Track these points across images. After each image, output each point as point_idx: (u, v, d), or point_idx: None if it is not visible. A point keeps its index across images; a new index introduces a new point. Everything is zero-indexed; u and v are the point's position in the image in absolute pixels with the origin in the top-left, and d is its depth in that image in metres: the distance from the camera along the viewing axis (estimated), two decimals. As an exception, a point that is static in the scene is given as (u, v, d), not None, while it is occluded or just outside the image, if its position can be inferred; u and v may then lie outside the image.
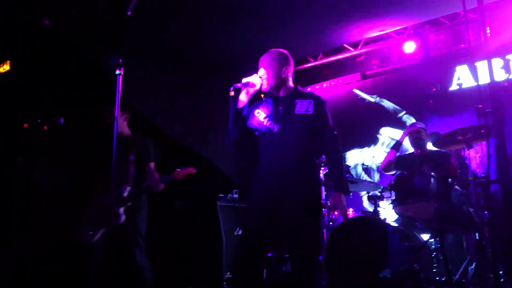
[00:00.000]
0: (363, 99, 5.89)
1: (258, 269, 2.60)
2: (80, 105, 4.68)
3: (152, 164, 3.72)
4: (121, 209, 3.47)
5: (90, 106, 4.37)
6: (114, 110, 3.59)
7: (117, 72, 2.36)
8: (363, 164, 5.75)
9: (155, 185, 3.64)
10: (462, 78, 5.27)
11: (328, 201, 4.19)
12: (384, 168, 4.29)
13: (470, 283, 3.32)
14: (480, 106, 1.27)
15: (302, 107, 2.64)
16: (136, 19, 3.87)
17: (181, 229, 5.03)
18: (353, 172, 5.68)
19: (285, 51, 2.80)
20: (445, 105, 5.28)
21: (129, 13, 3.49)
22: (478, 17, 1.53)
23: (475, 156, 4.75)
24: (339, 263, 3.60)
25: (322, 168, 4.29)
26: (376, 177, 5.61)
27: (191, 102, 5.75)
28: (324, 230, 4.08)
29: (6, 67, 5.28)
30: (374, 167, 5.66)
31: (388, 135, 5.61)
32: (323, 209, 4.11)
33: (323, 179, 4.25)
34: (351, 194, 4.24)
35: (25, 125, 3.40)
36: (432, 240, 3.61)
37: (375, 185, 4.21)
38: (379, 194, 3.96)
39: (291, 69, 2.76)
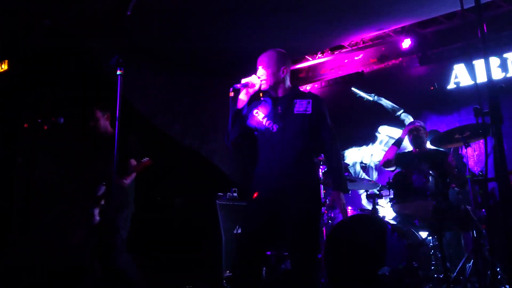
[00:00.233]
0: (362, 98, 5.91)
1: (258, 267, 2.60)
2: (79, 105, 4.69)
3: (132, 161, 3.58)
4: (96, 210, 3.37)
5: (90, 106, 4.36)
6: (96, 113, 3.62)
7: (118, 72, 2.37)
8: (361, 163, 5.77)
9: (118, 182, 3.42)
10: (460, 76, 5.30)
11: (327, 200, 4.22)
12: (384, 164, 4.31)
13: (468, 280, 3.34)
14: (478, 106, 1.29)
15: (301, 106, 2.65)
16: (136, 19, 3.87)
17: (181, 228, 5.05)
18: (351, 171, 5.71)
19: (283, 51, 2.80)
20: (442, 103, 5.31)
21: (129, 13, 3.49)
22: (476, 15, 1.55)
23: (473, 154, 4.78)
24: (338, 260, 3.63)
25: (321, 167, 4.31)
26: (375, 175, 5.64)
27: (191, 101, 5.76)
28: (323, 228, 4.11)
29: (4, 66, 5.28)
30: (373, 165, 5.69)
31: (386, 133, 5.64)
32: (322, 208, 4.13)
33: (322, 177, 4.27)
34: (349, 192, 4.27)
35: (25, 125, 3.39)
36: (430, 238, 3.64)
37: (373, 184, 4.24)
38: (377, 192, 3.98)
39: (289, 68, 2.78)
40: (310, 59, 6.25)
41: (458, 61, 5.30)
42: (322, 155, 4.30)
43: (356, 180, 4.21)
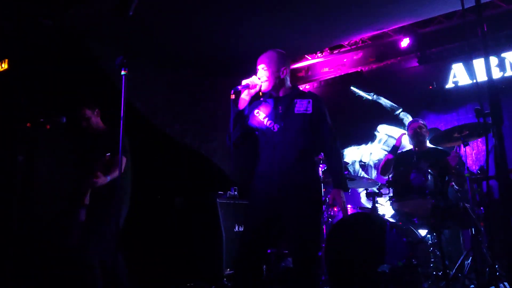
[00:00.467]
0: (361, 97, 5.94)
1: (259, 265, 2.63)
2: (79, 105, 4.68)
3: (118, 158, 3.30)
4: (82, 210, 3.30)
5: (90, 105, 4.36)
6: (86, 112, 3.54)
7: (122, 72, 2.38)
8: (360, 161, 5.81)
9: (91, 182, 3.24)
10: (458, 75, 5.34)
11: (327, 198, 4.26)
12: (381, 172, 4.35)
13: (467, 277, 3.38)
14: (478, 107, 1.32)
15: (301, 106, 2.68)
16: (136, 19, 3.88)
17: (181, 226, 5.07)
18: (350, 169, 5.74)
19: (282, 51, 2.82)
20: (441, 102, 5.35)
21: (131, 13, 3.50)
22: (476, 15, 1.58)
23: (471, 153, 4.82)
24: (338, 258, 3.66)
25: (321, 166, 4.34)
26: (374, 174, 5.68)
27: (191, 100, 5.78)
28: (324, 226, 4.14)
29: (4, 65, 5.28)
30: (372, 164, 5.72)
31: (385, 132, 5.68)
32: (322, 206, 4.17)
33: (322, 176, 4.30)
34: (349, 190, 4.30)
35: (28, 124, 3.39)
36: (429, 235, 3.68)
37: (373, 182, 4.27)
38: (377, 190, 4.02)
39: (289, 69, 2.80)
40: (310, 58, 6.28)
41: (456, 61, 5.34)
42: (322, 154, 4.35)
43: (355, 179, 4.24)
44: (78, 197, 3.31)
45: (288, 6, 4.56)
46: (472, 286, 3.31)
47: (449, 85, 5.38)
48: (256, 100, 2.82)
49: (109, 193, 3.31)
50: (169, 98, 5.57)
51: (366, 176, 5.55)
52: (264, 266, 4.79)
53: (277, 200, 2.57)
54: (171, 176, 5.35)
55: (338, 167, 2.70)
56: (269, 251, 5.01)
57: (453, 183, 3.84)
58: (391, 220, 3.69)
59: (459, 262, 3.46)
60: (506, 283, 3.08)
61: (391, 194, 3.80)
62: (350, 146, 5.90)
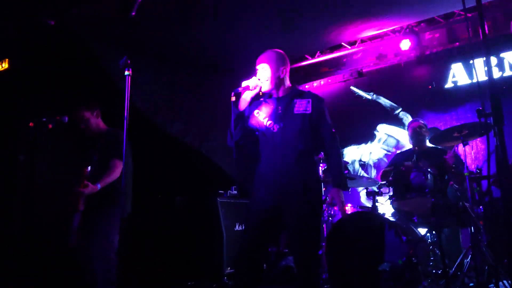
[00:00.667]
0: (360, 96, 5.97)
1: (259, 263, 2.64)
2: (78, 106, 4.67)
3: (113, 162, 3.25)
4: (76, 215, 3.16)
5: (89, 106, 4.33)
6: (84, 114, 3.42)
7: (126, 72, 2.39)
8: (360, 160, 5.83)
9: (79, 192, 3.11)
10: (457, 75, 5.37)
11: (327, 197, 4.28)
12: (381, 179, 4.38)
13: (466, 275, 3.41)
14: (480, 108, 1.34)
15: (300, 106, 2.69)
16: (138, 19, 3.89)
17: (182, 225, 5.09)
18: (350, 168, 5.77)
19: (281, 51, 2.82)
20: (440, 102, 5.38)
21: (133, 13, 3.51)
22: (477, 14, 1.60)
23: (470, 152, 4.85)
24: (339, 257, 3.69)
25: (321, 165, 4.37)
26: (373, 173, 5.71)
27: (191, 100, 5.79)
28: (324, 225, 4.16)
29: (4, 65, 5.29)
30: (371, 163, 5.75)
31: (385, 131, 5.70)
32: (323, 205, 4.19)
33: (322, 175, 4.33)
34: (349, 190, 4.33)
35: (31, 123, 3.38)
36: (429, 234, 3.70)
37: (373, 181, 4.30)
38: (377, 189, 4.04)
39: (288, 68, 2.81)
40: (310, 58, 6.29)
41: (456, 61, 5.37)
42: (322, 153, 4.38)
43: (355, 178, 4.26)
44: (71, 203, 3.23)
45: (288, 6, 4.58)
46: (472, 284, 3.34)
47: (449, 84, 5.41)
48: (256, 100, 2.83)
49: (106, 198, 3.23)
50: (170, 98, 5.58)
51: (365, 175, 5.58)
52: (265, 265, 4.82)
53: (277, 200, 2.59)
54: (171, 176, 5.36)
55: (338, 166, 2.70)
56: (269, 249, 5.04)
57: (453, 182, 3.87)
58: (391, 219, 3.71)
59: (458, 260, 3.48)
60: (505, 281, 3.10)
61: (391, 193, 3.82)
62: (350, 145, 5.93)
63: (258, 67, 2.77)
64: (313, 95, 2.78)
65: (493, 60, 5.13)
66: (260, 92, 2.78)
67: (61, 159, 4.81)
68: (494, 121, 1.23)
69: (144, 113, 5.27)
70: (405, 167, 3.78)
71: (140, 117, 5.22)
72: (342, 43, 5.87)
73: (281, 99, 2.76)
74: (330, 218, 4.19)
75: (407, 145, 5.23)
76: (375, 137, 5.76)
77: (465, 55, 5.24)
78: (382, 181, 4.30)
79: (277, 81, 2.75)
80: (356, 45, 5.86)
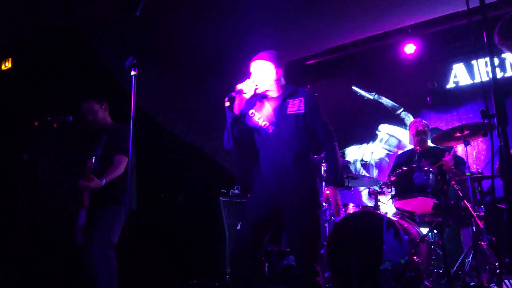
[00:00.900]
0: (362, 96, 5.99)
1: (256, 261, 2.62)
2: (87, 97, 4.65)
3: (118, 157, 3.23)
4: (82, 211, 3.15)
5: (98, 98, 4.30)
6: (93, 105, 3.39)
7: (133, 73, 2.41)
8: (362, 160, 5.85)
9: (84, 186, 3.09)
10: (459, 75, 5.39)
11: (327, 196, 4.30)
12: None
13: (467, 274, 3.43)
14: (478, 106, 1.36)
15: (293, 106, 2.68)
16: (142, 19, 3.90)
17: (185, 224, 5.11)
18: (352, 168, 5.79)
19: (275, 52, 2.79)
20: (442, 101, 5.40)
21: (138, 13, 3.52)
22: (480, 15, 1.61)
23: (472, 152, 4.88)
24: (341, 256, 3.71)
25: (323, 164, 4.39)
26: (375, 172, 5.73)
27: (194, 99, 5.81)
28: (326, 224, 4.19)
29: (8, 64, 5.30)
30: (373, 163, 5.77)
31: (386, 131, 5.73)
32: (324, 204, 4.21)
33: (324, 175, 4.35)
34: (352, 188, 4.35)
35: (36, 122, 3.39)
36: (431, 233, 3.73)
37: (375, 181, 4.32)
38: (379, 189, 4.07)
39: (282, 69, 2.78)
40: (312, 58, 6.30)
41: (457, 61, 5.39)
42: (324, 152, 4.40)
43: (358, 178, 4.29)
44: (76, 199, 3.23)
45: (291, 7, 4.60)
46: (473, 283, 3.36)
47: (450, 85, 5.44)
48: (251, 101, 2.80)
49: (110, 195, 3.22)
50: (172, 97, 5.60)
51: (367, 175, 5.60)
52: (266, 264, 4.85)
53: (275, 200, 2.60)
54: (174, 175, 5.39)
55: (333, 163, 2.69)
56: (269, 248, 5.07)
57: (454, 182, 3.90)
58: (393, 218, 3.74)
59: (460, 260, 3.51)
60: (506, 281, 3.12)
61: (393, 193, 3.85)
62: (352, 145, 5.95)
63: (252, 68, 2.74)
64: (305, 93, 2.75)
65: (495, 60, 5.14)
66: (255, 94, 2.73)
67: (65, 158, 4.83)
68: (498, 122, 1.26)
69: (147, 112, 5.29)
70: (407, 167, 3.81)
71: (143, 116, 5.24)
72: (344, 43, 5.88)
73: (275, 99, 2.75)
74: (332, 217, 4.21)
75: (409, 145, 5.25)
76: (377, 137, 5.79)
77: (467, 56, 5.26)
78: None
79: (272, 82, 2.73)
80: (358, 45, 5.87)
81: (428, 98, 5.41)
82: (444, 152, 4.23)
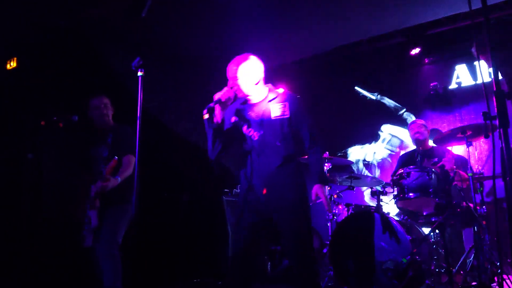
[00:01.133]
0: (365, 97, 6.01)
1: (252, 263, 2.62)
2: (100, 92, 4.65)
3: (127, 157, 3.27)
4: (93, 212, 3.18)
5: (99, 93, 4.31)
6: (106, 101, 3.44)
7: (139, 73, 2.43)
8: (364, 160, 5.88)
9: (102, 186, 3.12)
10: (461, 76, 5.41)
11: (332, 196, 4.33)
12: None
13: (469, 274, 3.46)
14: (486, 110, 1.39)
15: (278, 111, 2.64)
16: (147, 19, 3.94)
17: (188, 223, 5.14)
18: (354, 168, 5.81)
19: (253, 55, 2.73)
20: (444, 102, 5.42)
21: (143, 14, 3.55)
22: (482, 17, 1.64)
23: (474, 152, 4.90)
24: (344, 255, 3.74)
25: (326, 164, 4.42)
26: (377, 172, 5.75)
27: (198, 98, 5.83)
28: (329, 224, 4.21)
29: (13, 64, 5.34)
30: (375, 163, 5.80)
31: (389, 131, 5.75)
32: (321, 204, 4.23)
33: (327, 175, 4.38)
34: (354, 188, 4.37)
35: (42, 122, 3.41)
36: (432, 233, 3.75)
37: (377, 181, 4.34)
38: (381, 189, 4.09)
39: (261, 73, 2.71)
40: (317, 58, 6.30)
41: (460, 62, 5.40)
42: (327, 153, 4.42)
43: (360, 177, 4.30)
44: (89, 200, 3.26)
45: (294, 8, 4.63)
46: (474, 283, 3.39)
47: (452, 85, 5.45)
48: (233, 108, 2.75)
49: (119, 195, 3.24)
50: (176, 97, 5.63)
51: (369, 175, 5.62)
52: (269, 263, 4.88)
53: (264, 205, 2.60)
54: (177, 174, 5.42)
55: (318, 163, 2.70)
56: (272, 248, 5.09)
57: (456, 182, 3.93)
58: (396, 218, 3.77)
59: (461, 259, 3.53)
60: (508, 281, 3.15)
61: (396, 193, 3.87)
62: (354, 145, 5.97)
63: (230, 74, 2.67)
64: (289, 96, 2.72)
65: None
66: (239, 96, 2.69)
67: (70, 157, 4.85)
68: (500, 124, 1.28)
69: (150, 112, 5.32)
70: (409, 168, 3.84)
71: (146, 116, 5.26)
72: (346, 44, 5.90)
73: (258, 105, 2.70)
74: (335, 217, 4.23)
75: (411, 145, 5.27)
76: (379, 137, 5.81)
77: (470, 56, 5.27)
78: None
79: (251, 87, 2.67)
80: (360, 46, 5.88)
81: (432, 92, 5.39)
82: (446, 152, 4.27)
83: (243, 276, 2.57)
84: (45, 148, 4.71)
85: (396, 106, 5.76)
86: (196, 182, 5.49)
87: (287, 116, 2.63)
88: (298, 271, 2.53)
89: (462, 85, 5.39)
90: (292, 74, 6.32)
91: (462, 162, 4.18)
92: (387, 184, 4.08)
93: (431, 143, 4.48)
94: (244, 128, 2.68)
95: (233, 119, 2.73)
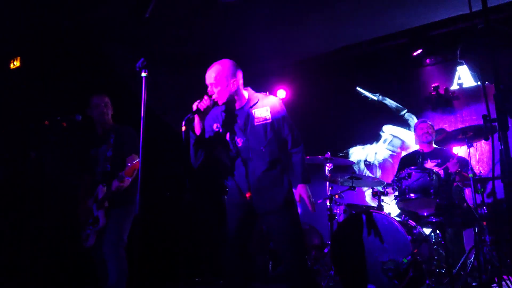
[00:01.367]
0: (366, 97, 6.02)
1: (245, 262, 2.67)
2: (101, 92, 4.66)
3: (131, 157, 3.22)
4: (100, 212, 3.20)
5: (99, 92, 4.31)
6: (107, 100, 3.45)
7: (143, 74, 2.45)
8: (365, 161, 5.89)
9: (120, 184, 3.15)
10: (463, 78, 5.42)
11: (333, 197, 4.35)
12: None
13: (469, 275, 3.47)
14: (486, 113, 1.41)
15: (260, 116, 2.65)
16: (151, 20, 3.96)
17: (190, 222, 5.17)
18: (355, 168, 5.83)
19: (229, 61, 2.72)
20: (445, 103, 5.44)
21: (147, 15, 3.57)
22: (483, 19, 1.66)
23: (474, 153, 4.91)
24: (345, 255, 3.77)
25: (328, 164, 4.44)
26: (378, 173, 5.77)
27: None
28: (329, 224, 4.23)
29: (16, 63, 5.36)
30: (376, 163, 5.81)
31: (390, 132, 5.77)
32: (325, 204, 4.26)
33: (328, 175, 4.40)
34: (355, 189, 4.39)
35: (46, 122, 3.43)
36: (433, 234, 3.77)
37: (378, 181, 4.36)
38: (382, 189, 4.11)
39: (240, 78, 2.70)
40: (319, 59, 6.32)
41: (461, 63, 5.41)
42: (329, 153, 4.45)
43: (361, 178, 4.32)
44: (96, 200, 3.28)
45: (296, 9, 4.65)
46: (475, 283, 3.41)
47: (454, 86, 5.47)
48: (214, 115, 2.74)
49: (125, 195, 3.24)
50: (180, 98, 5.65)
51: (371, 175, 5.64)
52: (270, 262, 4.90)
53: (252, 206, 2.63)
54: (180, 173, 5.44)
55: (301, 164, 2.73)
56: (274, 247, 5.11)
57: (457, 183, 3.94)
58: (397, 218, 3.79)
59: (462, 260, 3.55)
60: (508, 281, 3.17)
61: (397, 193, 3.89)
62: (356, 145, 5.99)
63: (208, 81, 2.67)
64: (270, 100, 2.73)
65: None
66: (219, 104, 2.68)
67: (71, 156, 4.87)
68: (499, 127, 1.31)
69: (154, 112, 5.34)
70: (410, 168, 3.85)
71: (150, 116, 5.27)
72: (349, 44, 5.91)
73: (239, 111, 2.69)
74: (336, 217, 4.26)
75: (412, 145, 5.29)
76: (381, 137, 5.83)
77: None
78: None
79: (230, 94, 2.64)
80: (362, 46, 5.89)
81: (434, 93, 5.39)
82: (448, 153, 4.29)
83: (240, 276, 2.62)
84: (47, 147, 4.74)
85: (398, 107, 5.77)
86: (198, 182, 5.51)
87: (269, 121, 2.66)
88: (294, 270, 2.57)
89: (464, 86, 5.40)
90: (294, 74, 6.34)
91: (464, 163, 4.20)
92: (388, 185, 4.10)
93: (433, 144, 4.49)
94: (228, 135, 2.68)
95: (215, 126, 2.73)
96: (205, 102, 2.58)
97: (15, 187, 4.71)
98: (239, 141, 2.65)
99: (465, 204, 3.70)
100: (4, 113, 4.69)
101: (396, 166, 4.69)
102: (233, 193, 2.70)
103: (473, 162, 4.16)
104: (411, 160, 4.32)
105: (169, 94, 5.57)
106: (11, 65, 5.28)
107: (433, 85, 5.50)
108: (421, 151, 4.28)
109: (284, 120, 2.71)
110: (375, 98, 5.96)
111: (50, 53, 4.83)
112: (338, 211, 4.33)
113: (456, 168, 3.86)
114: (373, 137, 5.87)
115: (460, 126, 5.01)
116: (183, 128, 2.54)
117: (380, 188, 4.13)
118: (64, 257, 4.39)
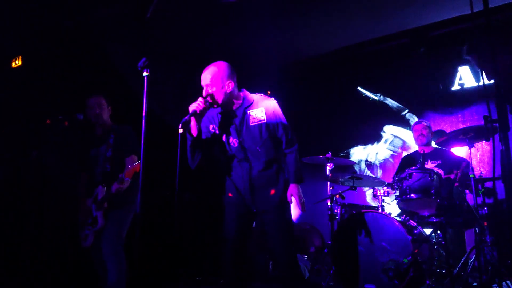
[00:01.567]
0: (367, 97, 6.02)
1: (244, 260, 2.72)
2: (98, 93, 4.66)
3: (130, 158, 3.28)
4: (99, 213, 3.22)
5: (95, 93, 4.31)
6: (102, 102, 3.45)
7: (145, 73, 2.46)
8: (366, 161, 5.89)
9: (120, 186, 3.16)
10: (464, 78, 5.42)
11: (335, 197, 4.35)
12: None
13: (470, 275, 3.47)
14: (487, 114, 1.41)
15: (255, 117, 2.70)
16: (152, 20, 3.96)
17: (191, 221, 5.17)
18: (356, 168, 5.83)
19: (223, 63, 2.75)
20: (447, 104, 5.43)
21: (148, 15, 3.58)
22: (484, 19, 1.66)
23: (476, 154, 4.91)
24: (345, 254, 3.77)
25: (329, 164, 4.43)
26: (379, 173, 5.77)
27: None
28: (330, 224, 4.23)
29: (18, 62, 5.37)
30: (377, 163, 5.81)
31: (391, 132, 5.76)
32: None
33: (329, 175, 4.40)
34: (356, 189, 4.39)
35: (48, 121, 3.44)
36: (434, 234, 3.77)
37: (379, 181, 4.36)
38: (383, 189, 4.10)
39: (233, 80, 2.72)
40: (320, 58, 6.32)
41: (463, 63, 5.41)
42: (330, 153, 4.44)
43: (362, 178, 4.32)
44: (95, 201, 3.29)
45: (298, 9, 4.65)
46: (475, 284, 3.40)
47: (455, 87, 5.46)
48: (210, 116, 2.78)
49: (126, 194, 3.25)
50: (179, 97, 5.66)
51: (371, 175, 5.64)
52: (271, 262, 4.90)
53: (249, 205, 2.71)
54: (180, 173, 5.42)
55: (295, 164, 2.75)
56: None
57: (458, 184, 3.94)
58: (397, 218, 3.79)
59: (462, 260, 3.55)
60: (508, 282, 3.16)
61: (397, 193, 3.89)
62: (357, 145, 5.99)
63: (202, 83, 2.70)
64: (265, 101, 2.76)
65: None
66: (214, 105, 2.71)
67: (71, 156, 4.87)
68: (500, 128, 1.31)
69: (154, 112, 5.34)
70: (411, 168, 3.85)
71: (150, 116, 5.27)
72: (350, 45, 5.91)
73: (235, 112, 2.73)
74: (336, 217, 4.26)
75: (413, 146, 5.28)
76: (382, 137, 5.82)
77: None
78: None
79: (225, 95, 2.68)
80: (363, 47, 5.89)
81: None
82: (448, 153, 4.28)
83: (239, 274, 2.67)
84: (48, 147, 4.74)
85: (399, 107, 5.77)
86: (198, 181, 5.50)
87: (264, 122, 2.70)
88: (285, 265, 2.66)
89: (465, 86, 5.39)
90: (295, 74, 6.34)
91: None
92: (389, 185, 4.10)
93: (433, 144, 4.49)
94: (224, 136, 2.74)
95: (211, 127, 2.77)
96: (200, 104, 2.60)
97: (15, 187, 4.71)
98: (235, 141, 2.70)
99: (466, 204, 3.70)
100: (5, 112, 4.69)
101: (397, 167, 4.69)
102: (231, 193, 2.76)
103: (474, 163, 4.17)
104: (411, 161, 4.32)
105: (170, 94, 5.58)
106: (13, 64, 5.29)
107: (434, 86, 5.50)
108: (422, 151, 4.27)
109: (278, 120, 2.74)
110: (376, 98, 5.96)
111: (51, 52, 4.83)
112: (338, 211, 4.33)
113: (461, 175, 3.87)
114: (374, 137, 5.87)
115: (461, 126, 5.00)
116: (180, 131, 2.56)
117: (381, 188, 4.13)
118: (64, 257, 4.39)
